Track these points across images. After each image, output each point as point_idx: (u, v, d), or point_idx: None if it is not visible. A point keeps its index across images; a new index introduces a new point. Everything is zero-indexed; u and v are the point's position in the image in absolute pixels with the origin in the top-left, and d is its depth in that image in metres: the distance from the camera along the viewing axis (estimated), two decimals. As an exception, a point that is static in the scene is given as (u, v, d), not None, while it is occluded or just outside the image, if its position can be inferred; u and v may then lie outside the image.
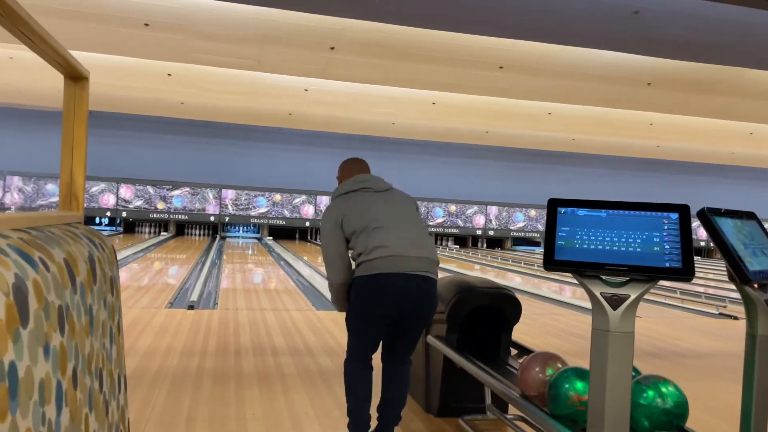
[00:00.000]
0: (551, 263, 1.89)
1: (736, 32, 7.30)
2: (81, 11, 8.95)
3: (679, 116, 15.03)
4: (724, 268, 1.89)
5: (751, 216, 2.06)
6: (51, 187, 17.89)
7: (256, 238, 19.78)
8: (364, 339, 2.68)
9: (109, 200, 18.69)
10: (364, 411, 2.70)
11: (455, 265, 13.56)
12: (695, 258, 20.50)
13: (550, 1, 6.98)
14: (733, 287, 1.96)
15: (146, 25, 9.47)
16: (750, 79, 11.08)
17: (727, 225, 1.86)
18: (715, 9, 6.74)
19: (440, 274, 2.92)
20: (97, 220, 18.78)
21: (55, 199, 18.65)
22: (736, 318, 7.39)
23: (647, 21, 7.17)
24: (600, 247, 1.86)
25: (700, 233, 21.29)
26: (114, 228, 19.06)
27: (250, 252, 14.90)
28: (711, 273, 14.47)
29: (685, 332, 6.32)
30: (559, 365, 2.39)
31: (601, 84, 12.03)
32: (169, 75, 12.99)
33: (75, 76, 1.27)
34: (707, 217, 1.82)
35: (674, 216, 1.83)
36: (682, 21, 7.10)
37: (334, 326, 5.62)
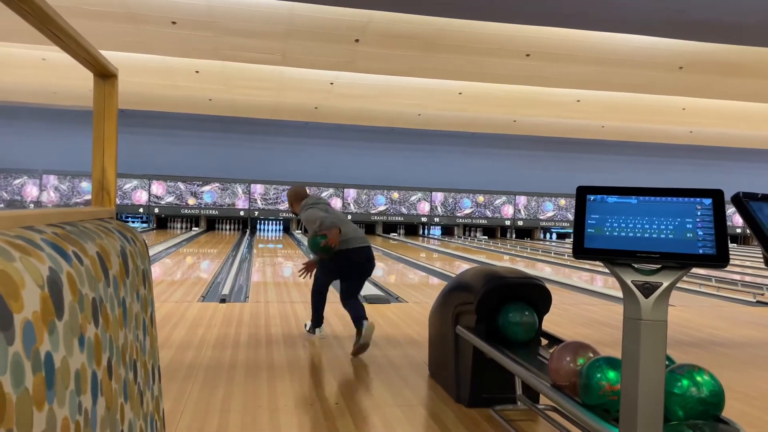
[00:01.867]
0: (581, 252, 1.87)
1: (767, 12, 7.07)
2: (109, 11, 9.11)
3: (713, 100, 14.66)
4: (761, 255, 1.84)
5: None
6: (85, 185, 18.31)
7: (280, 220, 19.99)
8: (328, 280, 4.69)
9: (141, 197, 19.06)
10: (322, 314, 4.77)
11: (484, 256, 13.49)
12: (731, 245, 19.98)
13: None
14: (771, 274, 1.90)
15: (173, 23, 9.59)
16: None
17: (763, 210, 1.81)
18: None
19: (468, 265, 2.92)
20: (130, 221, 19.12)
21: (89, 196, 19.06)
22: (774, 306, 7.21)
23: (677, 3, 6.99)
24: (631, 234, 1.82)
25: (735, 220, 20.78)
26: (147, 225, 19.44)
27: (280, 246, 15.05)
28: (747, 260, 14.13)
29: (721, 321, 6.19)
30: (591, 355, 2.36)
31: (631, 69, 11.80)
32: (197, 72, 13.16)
33: (104, 74, 1.30)
34: (741, 201, 1.77)
35: (707, 201, 1.79)
36: (713, 2, 6.91)
37: (364, 318, 5.66)
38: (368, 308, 6.20)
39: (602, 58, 11.23)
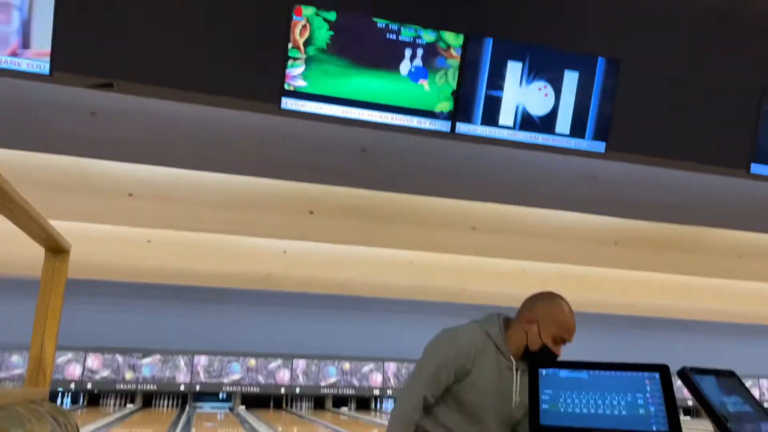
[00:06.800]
0: (538, 429, 1.83)
1: (691, 193, 7.80)
2: (67, 184, 9.22)
3: (650, 273, 15.39)
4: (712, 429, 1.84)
5: (731, 374, 2.05)
6: (16, 358, 17.13)
7: (228, 408, 18.80)
8: None
9: (75, 371, 17.82)
10: None
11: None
12: (684, 418, 19.83)
13: (517, 167, 7.47)
14: (726, 449, 1.88)
15: (130, 195, 9.76)
16: (712, 236, 11.59)
17: (709, 384, 1.84)
18: (666, 173, 7.27)
19: None
20: (59, 401, 17.65)
21: (19, 371, 17.72)
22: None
23: (604, 184, 7.66)
24: (585, 410, 1.81)
25: (685, 392, 20.82)
26: (78, 403, 18.00)
27: (220, 422, 14.04)
28: (703, 433, 13.93)
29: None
30: None
31: (570, 243, 12.43)
32: (149, 241, 13.14)
33: (56, 250, 1.29)
34: (688, 376, 1.80)
35: (656, 376, 1.82)
36: (636, 183, 7.61)
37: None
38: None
39: (542, 232, 11.84)
